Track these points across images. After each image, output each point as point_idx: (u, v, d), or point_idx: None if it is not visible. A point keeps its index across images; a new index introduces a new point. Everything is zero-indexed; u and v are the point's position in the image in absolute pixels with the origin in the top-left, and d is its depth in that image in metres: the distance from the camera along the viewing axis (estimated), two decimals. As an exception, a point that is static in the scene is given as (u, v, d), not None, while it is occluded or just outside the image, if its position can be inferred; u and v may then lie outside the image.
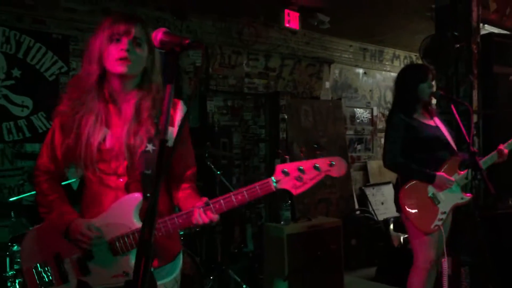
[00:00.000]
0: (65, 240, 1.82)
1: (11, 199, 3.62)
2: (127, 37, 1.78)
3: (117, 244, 1.78)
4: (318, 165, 1.67)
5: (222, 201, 1.71)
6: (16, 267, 3.17)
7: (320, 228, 4.72)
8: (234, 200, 1.69)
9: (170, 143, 1.76)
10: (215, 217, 1.71)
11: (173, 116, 1.87)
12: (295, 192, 1.68)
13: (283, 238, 4.44)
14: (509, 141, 3.35)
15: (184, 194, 1.93)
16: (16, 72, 4.38)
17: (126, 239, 1.77)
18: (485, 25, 4.99)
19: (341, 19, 5.87)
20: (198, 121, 5.62)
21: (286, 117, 6.22)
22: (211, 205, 1.70)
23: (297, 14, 5.59)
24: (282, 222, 4.61)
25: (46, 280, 1.87)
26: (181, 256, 2.01)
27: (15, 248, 3.22)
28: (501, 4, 5.12)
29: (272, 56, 6.35)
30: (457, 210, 3.31)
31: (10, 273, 3.17)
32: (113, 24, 1.79)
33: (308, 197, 6.08)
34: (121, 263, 1.79)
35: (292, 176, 1.67)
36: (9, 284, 3.12)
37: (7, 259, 3.21)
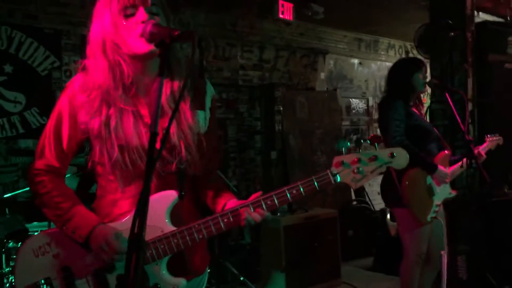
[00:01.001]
0: (80, 249, 1.57)
1: (5, 196, 3.60)
2: (143, 5, 1.51)
3: (147, 252, 1.53)
4: (379, 156, 1.56)
5: (274, 196, 1.53)
6: (11, 263, 3.16)
7: (317, 219, 4.73)
8: (288, 196, 1.53)
9: (202, 130, 1.65)
10: (267, 214, 1.53)
11: (203, 100, 1.70)
12: (354, 186, 1.57)
13: (280, 229, 4.45)
14: (484, 145, 3.42)
15: (215, 190, 1.73)
16: (8, 68, 4.34)
17: (158, 244, 1.52)
18: (480, 13, 4.98)
19: (335, 9, 5.83)
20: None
21: (281, 108, 6.20)
22: (262, 202, 1.53)
23: (291, 5, 5.55)
24: (278, 214, 4.62)
25: None
26: (207, 269, 1.81)
27: (11, 244, 3.21)
28: (495, -8, 5.11)
29: (267, 47, 6.32)
30: (452, 198, 3.32)
31: (6, 269, 3.16)
32: None
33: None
34: (151, 274, 1.54)
35: (352, 168, 1.55)
36: (5, 281, 3.11)
37: (3, 256, 3.21)
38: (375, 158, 1.55)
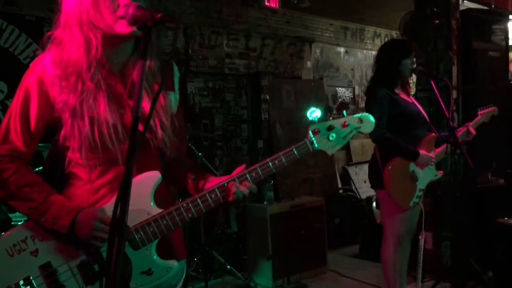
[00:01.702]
0: (61, 241, 1.49)
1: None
2: None
3: (136, 236, 1.49)
4: (350, 122, 1.65)
5: (258, 168, 1.57)
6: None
7: (303, 207, 4.75)
8: (271, 166, 1.58)
9: (173, 111, 1.65)
10: (253, 187, 1.56)
11: (172, 81, 1.69)
12: (330, 152, 1.65)
13: (266, 218, 4.46)
14: (475, 120, 3.43)
15: (192, 171, 1.71)
16: (-11, 56, 4.27)
17: (147, 228, 1.49)
18: (464, 1, 4.99)
19: (321, -3, 5.82)
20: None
21: (267, 97, 6.18)
22: (247, 174, 1.56)
23: (276, -7, 5.53)
24: (265, 202, 4.62)
25: None
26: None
27: (-6, 234, 3.17)
28: (480, -21, 5.12)
29: (253, 36, 6.28)
30: (437, 185, 3.35)
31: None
32: None
33: (291, 177, 6.10)
34: (143, 259, 1.51)
35: (327, 135, 1.63)
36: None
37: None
38: (346, 124, 1.65)
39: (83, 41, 1.49)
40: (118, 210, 1.08)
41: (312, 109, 1.65)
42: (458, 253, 4.18)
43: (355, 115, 1.68)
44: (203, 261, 4.46)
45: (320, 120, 1.64)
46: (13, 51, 4.39)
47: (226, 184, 1.55)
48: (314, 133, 1.63)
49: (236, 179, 1.55)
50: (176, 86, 1.71)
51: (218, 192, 1.54)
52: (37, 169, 1.65)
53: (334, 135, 1.64)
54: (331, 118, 1.65)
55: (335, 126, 1.64)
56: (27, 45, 4.46)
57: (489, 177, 4.44)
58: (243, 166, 1.60)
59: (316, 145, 1.63)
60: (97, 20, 1.49)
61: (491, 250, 4.17)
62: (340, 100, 7.47)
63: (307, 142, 1.63)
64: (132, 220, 1.46)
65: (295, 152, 1.61)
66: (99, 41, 1.50)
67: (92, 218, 1.44)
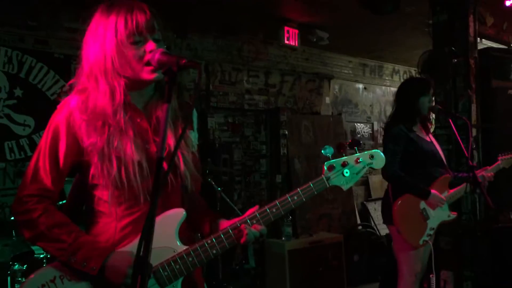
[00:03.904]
0: (90, 283, 1.49)
1: (12, 218, 3.62)
2: (151, 34, 1.52)
3: (163, 274, 1.50)
4: (361, 159, 1.73)
5: (278, 204, 1.62)
6: (17, 286, 3.17)
7: (322, 244, 4.73)
8: (291, 201, 1.64)
9: (194, 149, 1.70)
10: (263, 228, 1.59)
11: (191, 120, 1.77)
12: (345, 188, 1.71)
13: (284, 254, 4.44)
14: (495, 165, 3.40)
15: (204, 212, 1.76)
16: (18, 92, 4.42)
17: (174, 265, 1.51)
18: (483, 39, 5.03)
19: (340, 35, 5.92)
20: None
21: (286, 132, 6.24)
22: (258, 216, 1.60)
23: (296, 31, 5.65)
24: (283, 238, 4.62)
25: None
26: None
27: (16, 267, 3.23)
28: (498, 19, 5.17)
29: (272, 72, 6.40)
30: (458, 224, 3.32)
31: (11, 292, 3.18)
32: (130, 20, 1.49)
33: (310, 212, 6.08)
34: None
35: (340, 172, 1.70)
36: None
37: (8, 278, 3.22)
38: (359, 160, 1.73)
39: (109, 90, 1.54)
40: (142, 249, 1.12)
41: (326, 146, 1.71)
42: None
43: (366, 152, 1.75)
44: (221, 297, 4.44)
45: (334, 156, 1.71)
46: (41, 87, 4.56)
47: (248, 221, 1.59)
48: (330, 169, 1.70)
49: (248, 222, 1.58)
50: (195, 126, 1.78)
51: (231, 234, 1.57)
52: (60, 202, 1.66)
53: (348, 171, 1.71)
54: (344, 155, 1.72)
55: (349, 162, 1.72)
56: (54, 82, 4.63)
57: (511, 217, 4.37)
58: (257, 207, 1.63)
59: (332, 180, 1.69)
60: (123, 69, 1.53)
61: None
62: (359, 135, 7.49)
63: (324, 178, 1.69)
64: (158, 258, 1.48)
65: (313, 187, 1.67)
66: (122, 87, 1.54)
67: (127, 265, 1.44)
